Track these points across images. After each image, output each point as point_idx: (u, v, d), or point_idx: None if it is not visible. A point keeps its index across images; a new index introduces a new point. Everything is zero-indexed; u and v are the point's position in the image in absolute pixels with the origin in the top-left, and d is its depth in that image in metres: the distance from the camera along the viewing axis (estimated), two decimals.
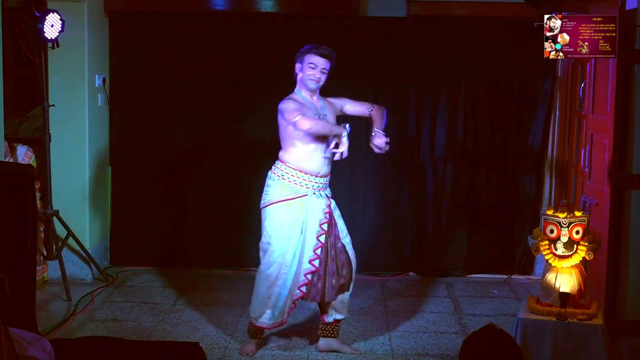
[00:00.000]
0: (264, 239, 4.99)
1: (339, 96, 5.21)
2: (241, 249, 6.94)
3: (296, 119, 4.76)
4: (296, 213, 4.91)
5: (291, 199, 4.92)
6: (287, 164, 4.95)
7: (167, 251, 6.97)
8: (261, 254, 5.00)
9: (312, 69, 4.95)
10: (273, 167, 5.03)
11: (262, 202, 5.02)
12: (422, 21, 6.71)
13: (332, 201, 5.04)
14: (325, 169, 4.99)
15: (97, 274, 6.53)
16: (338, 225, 5.01)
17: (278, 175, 4.96)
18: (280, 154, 5.03)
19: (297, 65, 5.01)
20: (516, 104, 6.79)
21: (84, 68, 6.41)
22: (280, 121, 4.97)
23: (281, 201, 4.93)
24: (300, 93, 5.00)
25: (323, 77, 4.98)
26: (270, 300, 4.93)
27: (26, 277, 4.00)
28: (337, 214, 5.04)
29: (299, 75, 5.00)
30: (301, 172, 4.92)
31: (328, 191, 5.05)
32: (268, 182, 5.02)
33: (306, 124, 4.76)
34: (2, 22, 5.30)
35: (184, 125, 6.90)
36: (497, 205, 6.89)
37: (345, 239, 5.02)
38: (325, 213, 4.95)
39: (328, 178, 5.04)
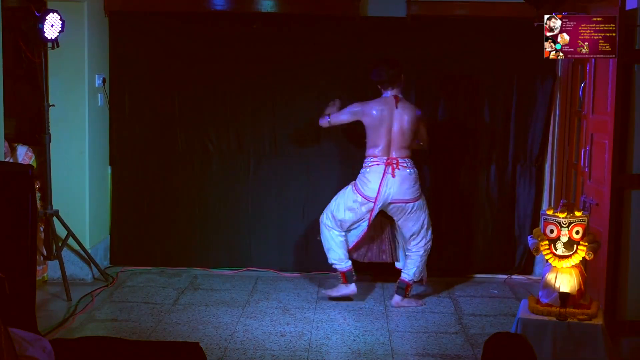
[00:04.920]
0: None
1: None
2: (241, 249, 6.94)
3: None
4: None
5: None
6: None
7: (167, 251, 6.97)
8: None
9: None
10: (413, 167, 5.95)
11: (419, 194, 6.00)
12: (422, 21, 6.71)
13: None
14: None
15: (97, 274, 6.53)
16: None
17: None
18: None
19: None
20: (516, 104, 6.79)
21: (84, 68, 6.41)
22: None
23: None
24: None
25: None
26: None
27: (26, 277, 4.00)
28: None
29: None
30: None
31: None
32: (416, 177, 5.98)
33: None
34: (2, 22, 5.29)
35: (184, 125, 6.89)
36: (497, 205, 6.89)
37: None
38: None
39: None
